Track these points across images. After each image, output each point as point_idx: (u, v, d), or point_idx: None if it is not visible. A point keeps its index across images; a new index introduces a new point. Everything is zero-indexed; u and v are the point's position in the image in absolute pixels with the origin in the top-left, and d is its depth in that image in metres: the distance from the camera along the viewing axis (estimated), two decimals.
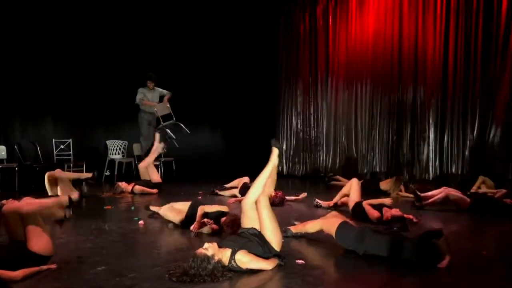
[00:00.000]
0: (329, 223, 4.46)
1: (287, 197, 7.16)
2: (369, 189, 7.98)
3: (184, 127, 9.09)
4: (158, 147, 8.42)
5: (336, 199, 6.58)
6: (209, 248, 3.46)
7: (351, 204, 6.04)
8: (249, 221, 3.84)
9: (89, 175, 7.07)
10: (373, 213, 5.59)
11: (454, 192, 6.79)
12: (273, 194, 6.49)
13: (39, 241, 3.42)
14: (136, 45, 9.96)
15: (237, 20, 11.46)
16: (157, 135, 8.51)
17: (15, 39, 8.30)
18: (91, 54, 9.33)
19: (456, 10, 8.86)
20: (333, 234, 4.28)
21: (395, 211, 5.44)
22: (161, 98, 9.42)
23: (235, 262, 3.47)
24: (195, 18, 10.83)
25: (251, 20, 11.60)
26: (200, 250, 3.43)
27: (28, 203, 3.55)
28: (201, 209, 5.00)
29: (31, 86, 8.56)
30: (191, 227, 4.84)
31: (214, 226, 4.84)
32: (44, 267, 3.42)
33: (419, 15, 9.38)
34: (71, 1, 8.99)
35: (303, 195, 7.31)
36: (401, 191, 8.04)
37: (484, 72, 8.53)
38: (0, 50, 8.14)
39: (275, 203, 6.57)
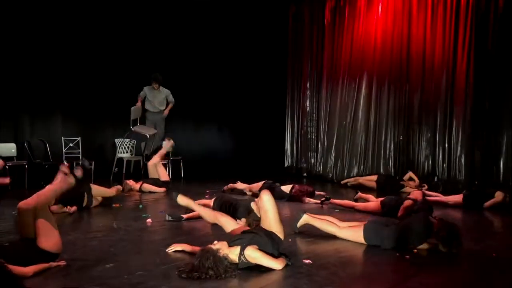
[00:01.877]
0: (351, 234, 4.66)
1: (313, 200, 7.21)
2: (385, 187, 8.47)
3: (141, 131, 9.10)
4: (166, 145, 8.46)
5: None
6: (217, 244, 3.49)
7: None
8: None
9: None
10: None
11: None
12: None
13: (48, 238, 3.45)
14: (145, 44, 9.98)
15: (246, 19, 11.45)
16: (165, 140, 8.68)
17: (24, 38, 8.36)
18: (100, 52, 9.37)
19: (465, 11, 8.78)
20: (361, 227, 4.58)
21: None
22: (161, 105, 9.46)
23: (244, 257, 3.47)
24: (204, 17, 10.83)
25: (260, 19, 11.60)
26: (207, 245, 3.45)
27: (39, 194, 3.57)
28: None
29: (40, 85, 8.61)
30: None
31: None
32: (54, 264, 3.45)
33: (428, 15, 9.31)
34: (80, 1, 9.04)
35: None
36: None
37: (495, 73, 8.44)
38: (10, 48, 8.20)
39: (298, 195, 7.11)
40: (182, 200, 4.77)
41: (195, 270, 3.30)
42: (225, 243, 3.55)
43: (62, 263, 3.50)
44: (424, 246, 4.40)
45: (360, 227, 4.64)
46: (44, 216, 3.49)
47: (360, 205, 6.59)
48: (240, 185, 7.99)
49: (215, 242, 3.56)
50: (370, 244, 4.51)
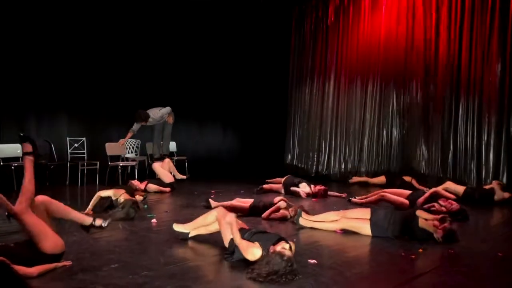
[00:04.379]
0: (357, 212, 5.11)
1: (330, 192, 7.85)
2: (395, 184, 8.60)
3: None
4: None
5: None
6: (291, 247, 3.53)
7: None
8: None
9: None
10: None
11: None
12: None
13: (46, 241, 3.40)
14: (149, 44, 10.00)
15: (249, 19, 11.47)
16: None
17: (29, 39, 8.37)
18: (105, 53, 9.38)
19: (471, 8, 8.77)
20: (368, 218, 4.87)
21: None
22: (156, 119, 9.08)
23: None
24: (207, 17, 10.84)
25: (263, 19, 11.61)
26: (284, 251, 3.39)
27: (23, 191, 3.50)
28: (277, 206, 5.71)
29: (45, 86, 8.63)
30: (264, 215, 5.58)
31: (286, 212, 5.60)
32: (60, 264, 3.45)
33: (433, 13, 9.30)
34: (86, 2, 9.05)
35: (344, 195, 7.80)
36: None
37: (500, 71, 8.42)
38: (15, 50, 8.22)
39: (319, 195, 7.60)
40: (178, 227, 4.55)
41: (270, 275, 3.22)
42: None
43: (68, 263, 3.51)
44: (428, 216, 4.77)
45: (367, 208, 5.16)
46: (37, 219, 3.44)
47: (387, 192, 6.86)
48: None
49: (286, 245, 3.51)
50: (376, 221, 4.83)
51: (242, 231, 3.86)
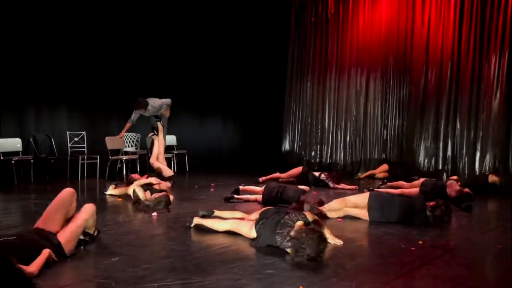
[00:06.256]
0: (357, 197, 5.38)
1: (335, 185, 7.89)
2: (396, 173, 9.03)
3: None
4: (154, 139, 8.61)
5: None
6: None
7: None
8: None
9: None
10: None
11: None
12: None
13: (71, 241, 3.60)
14: (149, 37, 9.96)
15: (249, 11, 11.42)
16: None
17: (29, 33, 8.35)
18: (105, 46, 9.35)
19: (470, 0, 8.77)
20: (365, 203, 5.16)
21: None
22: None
23: None
24: (207, 10, 10.80)
25: (263, 11, 11.56)
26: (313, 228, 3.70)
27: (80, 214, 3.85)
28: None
29: (45, 79, 8.62)
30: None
31: None
32: (53, 255, 3.35)
33: (433, 4, 9.29)
34: None
35: (355, 187, 7.91)
36: None
37: (500, 62, 8.41)
38: (15, 44, 8.20)
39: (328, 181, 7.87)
40: (198, 220, 4.73)
41: (312, 254, 3.48)
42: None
43: (55, 257, 3.39)
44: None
45: (366, 193, 5.45)
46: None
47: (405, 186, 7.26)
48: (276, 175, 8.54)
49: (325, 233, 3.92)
50: (373, 206, 5.11)
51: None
